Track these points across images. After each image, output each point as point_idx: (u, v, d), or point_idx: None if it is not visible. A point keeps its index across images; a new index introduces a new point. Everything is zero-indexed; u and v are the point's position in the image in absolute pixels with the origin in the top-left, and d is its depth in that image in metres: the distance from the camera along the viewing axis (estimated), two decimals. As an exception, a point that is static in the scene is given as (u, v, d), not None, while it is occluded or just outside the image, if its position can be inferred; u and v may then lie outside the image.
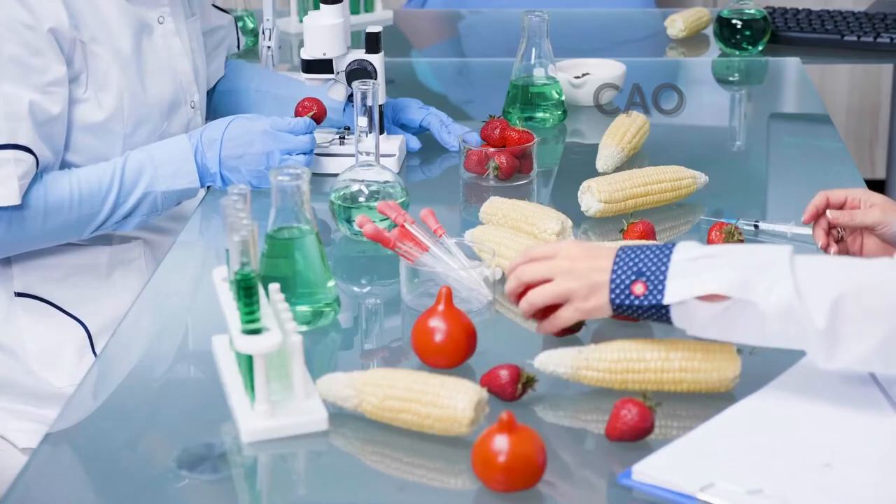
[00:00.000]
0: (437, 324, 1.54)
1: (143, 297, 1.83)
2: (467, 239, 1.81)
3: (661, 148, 2.27)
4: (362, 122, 1.85)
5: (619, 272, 1.48)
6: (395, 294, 1.76)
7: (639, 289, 1.46)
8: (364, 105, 1.83)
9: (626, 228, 1.83)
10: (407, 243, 1.71)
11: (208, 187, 2.10)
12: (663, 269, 1.46)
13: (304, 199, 1.61)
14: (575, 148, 2.36)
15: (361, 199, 1.89)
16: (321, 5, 2.10)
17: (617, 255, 1.49)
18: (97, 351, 2.05)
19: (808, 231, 1.86)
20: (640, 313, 1.47)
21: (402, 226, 1.74)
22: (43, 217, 1.95)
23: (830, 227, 1.78)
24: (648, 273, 1.46)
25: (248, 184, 2.03)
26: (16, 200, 1.90)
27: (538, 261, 1.53)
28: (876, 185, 2.24)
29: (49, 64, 1.94)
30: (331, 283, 1.67)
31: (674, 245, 1.48)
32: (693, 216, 2.01)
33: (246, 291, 1.43)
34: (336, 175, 2.07)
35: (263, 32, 2.58)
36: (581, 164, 2.22)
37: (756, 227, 1.91)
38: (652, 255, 1.47)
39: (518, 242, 1.76)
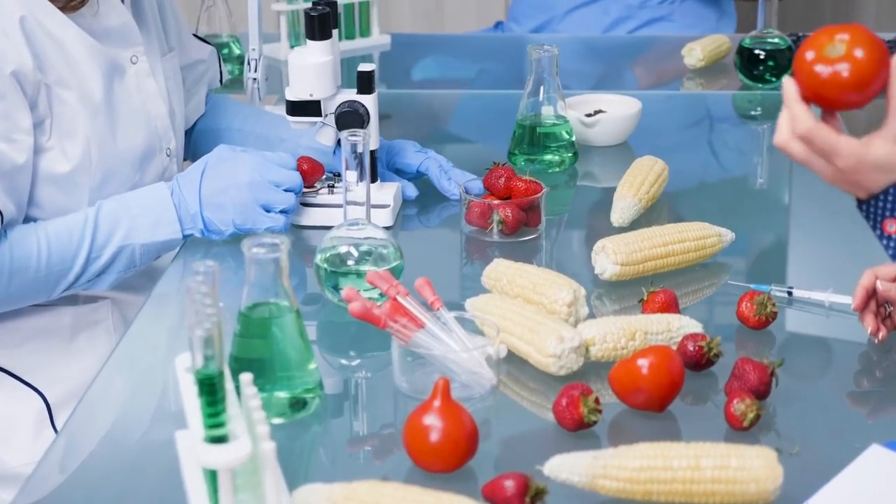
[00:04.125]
0: (433, 421, 1.35)
1: (111, 364, 1.64)
2: (468, 310, 1.61)
3: (681, 194, 2.08)
4: (351, 176, 1.65)
5: (881, 200, 1.40)
6: (387, 366, 1.56)
7: (892, 227, 1.40)
8: (354, 157, 1.64)
9: (645, 298, 1.64)
10: (400, 319, 1.52)
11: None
12: None
13: (282, 272, 1.42)
14: (587, 193, 2.17)
15: (350, 262, 1.69)
16: (308, 41, 1.90)
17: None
18: (57, 425, 1.85)
19: (847, 300, 1.67)
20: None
21: (395, 299, 1.54)
22: (8, 277, 1.77)
23: (879, 304, 1.59)
24: None
25: (232, 224, 1.84)
26: None
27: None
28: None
29: (12, 110, 1.75)
30: (312, 366, 1.48)
31: None
32: (718, 278, 1.82)
33: (209, 390, 1.24)
34: (323, 227, 1.90)
35: (249, 63, 2.38)
36: (594, 213, 2.04)
37: (790, 293, 1.72)
38: None
39: (525, 316, 1.56)
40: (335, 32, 1.91)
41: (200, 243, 1.90)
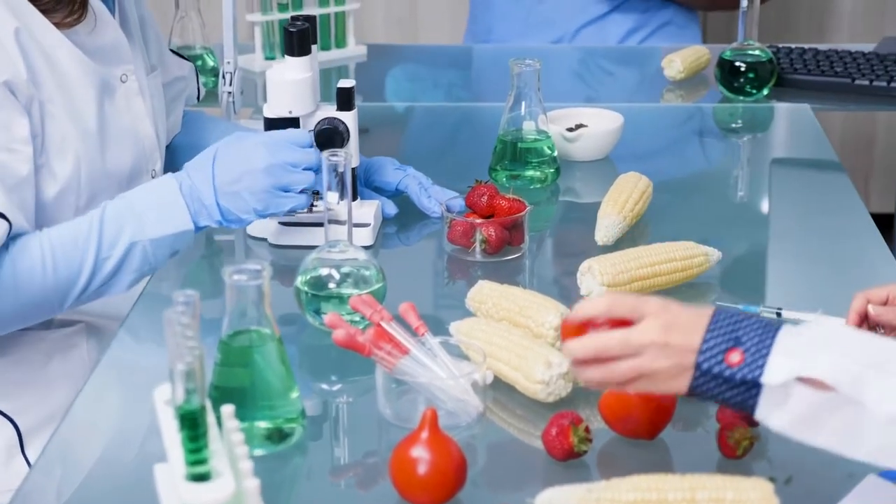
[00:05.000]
0: (421, 453, 1.31)
1: (86, 392, 1.59)
2: (453, 335, 1.58)
3: (664, 210, 2.05)
4: (332, 197, 1.61)
5: (716, 334, 1.25)
6: (370, 390, 1.52)
7: (734, 357, 1.23)
8: (335, 177, 1.60)
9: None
10: (384, 345, 1.48)
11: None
12: (767, 342, 1.23)
13: (264, 299, 1.38)
14: (569, 209, 2.14)
15: (332, 284, 1.65)
16: (287, 57, 1.86)
17: (715, 317, 1.27)
18: (28, 453, 1.80)
19: (838, 321, 1.63)
20: (723, 391, 1.24)
21: (379, 325, 1.50)
22: (14, 290, 1.69)
23: (870, 326, 1.56)
24: (749, 344, 1.24)
25: (253, 211, 1.77)
26: None
27: (620, 339, 1.28)
28: (876, 219, 2.07)
29: (10, 118, 1.70)
30: (294, 395, 1.44)
31: (781, 325, 1.26)
32: (704, 298, 1.79)
33: (191, 425, 1.20)
34: (302, 247, 1.86)
35: (224, 77, 2.34)
36: (577, 230, 2.00)
37: (779, 314, 1.69)
38: (755, 326, 1.25)
39: (512, 341, 1.53)
40: (314, 48, 1.87)
41: (173, 264, 1.85)
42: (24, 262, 1.70)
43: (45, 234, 1.72)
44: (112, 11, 1.86)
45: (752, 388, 1.23)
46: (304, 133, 1.83)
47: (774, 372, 1.22)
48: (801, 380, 1.21)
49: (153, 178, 1.90)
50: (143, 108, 1.89)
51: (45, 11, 1.76)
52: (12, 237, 1.70)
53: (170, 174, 1.79)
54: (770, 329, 1.24)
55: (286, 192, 1.77)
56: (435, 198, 1.98)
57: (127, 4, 1.92)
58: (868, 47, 2.84)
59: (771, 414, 1.23)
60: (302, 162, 1.78)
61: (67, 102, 1.77)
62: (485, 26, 3.19)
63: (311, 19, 1.87)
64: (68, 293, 1.73)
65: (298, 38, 1.84)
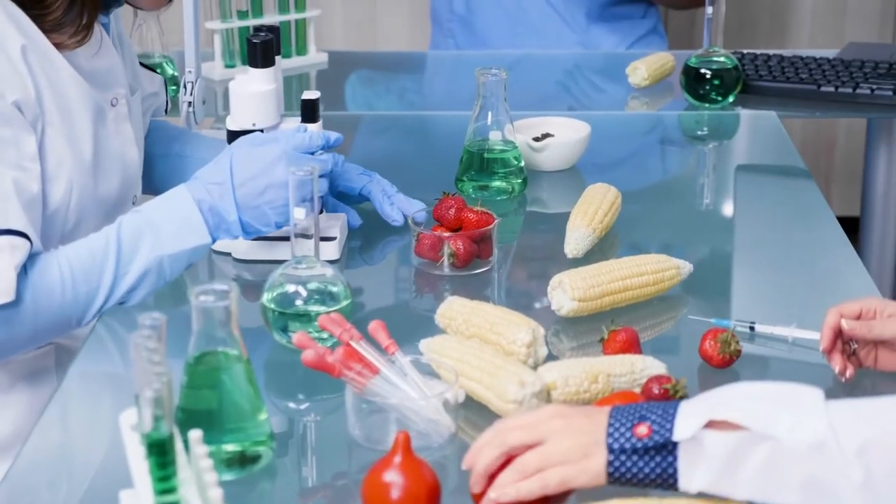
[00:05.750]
0: (394, 478, 1.28)
1: (48, 415, 1.55)
2: (424, 353, 1.55)
3: (633, 220, 2.02)
4: (299, 213, 1.58)
5: (619, 416, 1.25)
6: (339, 408, 1.49)
7: (642, 429, 1.23)
8: (300, 195, 1.57)
9: (606, 337, 1.58)
10: (354, 365, 1.45)
11: None
12: (671, 411, 1.23)
13: (232, 320, 1.34)
14: (537, 220, 2.11)
15: (299, 302, 1.62)
16: (250, 69, 1.82)
17: (614, 408, 1.26)
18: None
19: (812, 336, 1.62)
20: (641, 468, 1.23)
21: (348, 344, 1.47)
22: (34, 311, 1.66)
23: (844, 342, 1.54)
24: (654, 416, 1.23)
25: (274, 224, 1.75)
26: (10, 296, 1.62)
27: (521, 427, 1.27)
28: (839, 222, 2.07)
29: (20, 136, 1.66)
30: (263, 416, 1.41)
31: (680, 401, 1.26)
32: (676, 311, 1.77)
33: (159, 451, 1.17)
34: (268, 262, 1.83)
35: (185, 86, 2.29)
36: (545, 242, 1.99)
37: (752, 329, 1.67)
38: (655, 404, 1.25)
39: (484, 360, 1.50)
40: (278, 59, 1.84)
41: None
42: (43, 281, 1.67)
43: (62, 253, 1.69)
44: (108, 31, 1.83)
45: (668, 454, 1.22)
46: (317, 136, 1.79)
47: (683, 428, 1.21)
48: (712, 425, 1.21)
49: (134, 204, 1.86)
50: (130, 133, 1.86)
51: (48, 31, 1.73)
52: (30, 256, 1.66)
53: (183, 186, 1.75)
54: (670, 403, 1.25)
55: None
56: (399, 206, 1.94)
57: (117, 24, 1.88)
58: (830, 53, 2.84)
59: (694, 474, 1.22)
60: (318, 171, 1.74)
61: (66, 126, 1.74)
62: (464, 38, 3.15)
63: (274, 30, 1.84)
64: (87, 310, 1.71)
65: (262, 49, 1.81)
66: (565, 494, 1.27)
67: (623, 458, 1.23)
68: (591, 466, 1.24)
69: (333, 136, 1.80)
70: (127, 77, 1.88)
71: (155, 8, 1.89)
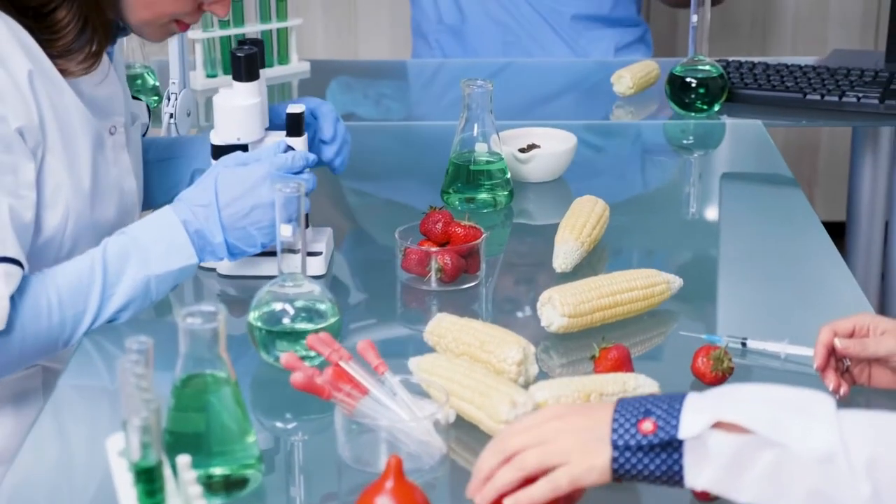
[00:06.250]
0: (386, 503, 1.26)
1: (33, 438, 1.52)
2: (413, 371, 1.53)
3: (621, 232, 2.01)
4: (285, 230, 1.56)
5: (624, 411, 1.23)
6: (328, 428, 1.47)
7: (647, 425, 1.21)
8: (287, 212, 1.55)
9: (597, 355, 1.57)
10: (344, 386, 1.43)
11: None
12: (676, 406, 1.22)
13: (220, 342, 1.32)
14: (523, 232, 2.09)
15: (286, 319, 1.60)
16: (234, 83, 1.80)
17: (619, 402, 1.25)
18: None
19: (805, 352, 1.61)
20: (646, 465, 1.21)
21: (337, 364, 1.45)
22: (21, 336, 1.64)
23: (838, 359, 1.53)
24: (659, 411, 1.22)
25: (259, 245, 1.73)
26: (2, 325, 1.60)
27: (521, 431, 1.26)
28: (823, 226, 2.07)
29: (20, 163, 1.65)
30: (251, 439, 1.39)
31: (686, 393, 1.24)
32: (666, 326, 1.75)
33: (147, 479, 1.15)
34: (253, 277, 1.81)
35: (168, 98, 2.27)
36: (533, 255, 1.97)
37: (744, 345, 1.65)
38: (661, 397, 1.24)
39: (475, 379, 1.48)
40: (262, 73, 1.82)
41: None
42: (30, 306, 1.65)
43: (48, 276, 1.67)
44: (111, 59, 1.80)
45: (673, 451, 1.21)
46: (302, 155, 1.77)
47: (689, 426, 1.20)
48: (718, 425, 1.19)
49: None
50: (128, 162, 1.84)
51: (55, 57, 1.70)
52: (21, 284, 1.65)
53: (169, 207, 1.73)
54: (677, 396, 1.24)
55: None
56: (339, 155, 1.91)
57: (119, 52, 1.86)
58: (814, 59, 2.83)
59: (700, 472, 1.20)
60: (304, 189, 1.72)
61: (66, 154, 1.72)
62: (453, 50, 3.12)
63: (258, 43, 1.82)
64: (74, 332, 1.69)
65: (246, 63, 1.78)
66: (575, 495, 1.27)
67: (628, 454, 1.22)
68: (596, 463, 1.22)
69: (311, 156, 1.78)
70: (127, 106, 1.86)
71: (160, 40, 1.87)
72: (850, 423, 1.18)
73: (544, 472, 1.23)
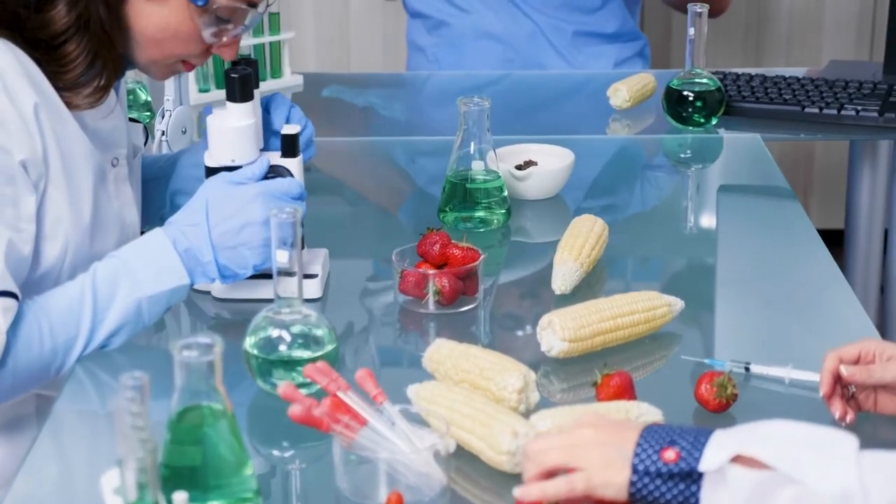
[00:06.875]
0: (387, 540, 1.24)
1: (27, 468, 1.49)
2: (412, 400, 1.51)
3: (620, 251, 1.99)
4: (281, 256, 1.53)
5: (650, 437, 1.25)
6: (325, 456, 1.45)
7: (670, 454, 1.23)
8: (282, 238, 1.52)
9: (599, 381, 1.54)
10: (342, 417, 1.40)
11: None
12: (702, 440, 1.23)
13: (216, 374, 1.30)
14: (521, 251, 2.07)
15: (282, 347, 1.57)
16: (228, 103, 1.77)
17: (647, 427, 1.27)
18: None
19: (809, 377, 1.59)
20: (663, 492, 1.22)
21: (335, 395, 1.43)
22: (13, 366, 1.61)
23: (843, 386, 1.51)
24: (684, 443, 1.23)
25: (251, 267, 1.70)
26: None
27: (557, 448, 1.29)
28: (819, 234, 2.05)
29: (21, 195, 1.62)
30: (248, 471, 1.36)
31: (713, 429, 1.25)
32: (668, 350, 1.73)
33: (144, 521, 1.12)
34: (249, 301, 1.78)
35: (163, 114, 2.24)
36: (531, 274, 1.95)
37: (747, 369, 1.63)
38: (688, 429, 1.25)
39: (475, 408, 1.45)
40: (257, 93, 1.79)
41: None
42: (22, 334, 1.62)
43: (38, 304, 1.65)
44: (117, 93, 1.78)
45: (692, 482, 1.22)
46: (296, 183, 1.75)
47: (711, 459, 1.21)
48: (739, 461, 1.20)
49: None
50: (130, 194, 1.82)
51: (62, 90, 1.68)
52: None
53: (159, 229, 1.71)
54: (704, 431, 1.25)
55: None
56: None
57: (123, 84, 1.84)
58: (809, 69, 2.81)
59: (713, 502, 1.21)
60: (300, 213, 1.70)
61: (68, 187, 1.69)
62: (451, 65, 3.09)
63: (252, 63, 1.79)
64: (66, 359, 1.66)
65: (241, 83, 1.76)
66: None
67: (647, 479, 1.23)
68: (614, 480, 1.24)
69: (301, 186, 1.76)
70: (129, 137, 1.83)
71: (165, 78, 1.85)
72: (872, 464, 1.18)
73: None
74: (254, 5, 1.73)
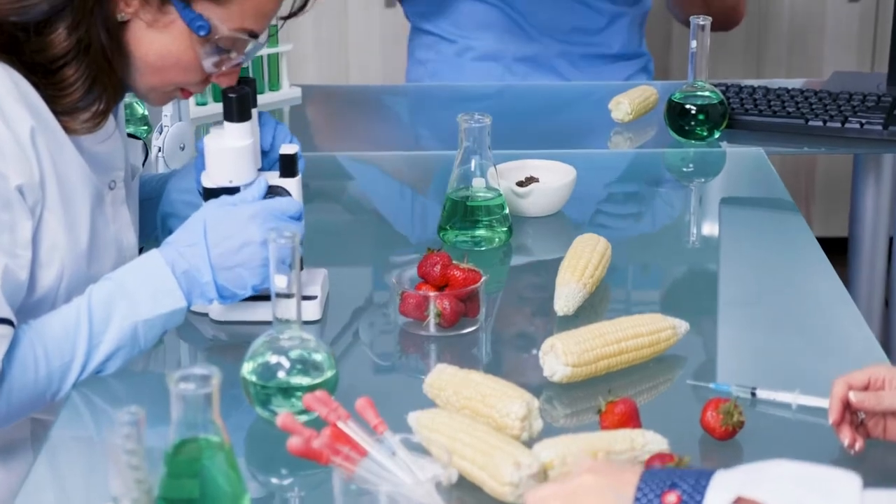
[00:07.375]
0: (388, 578, 1.22)
1: (27, 491, 1.47)
2: (413, 427, 1.48)
3: (624, 270, 1.97)
4: (280, 281, 1.51)
5: (650, 481, 1.23)
6: (324, 483, 1.42)
7: (671, 498, 1.20)
8: (282, 261, 1.49)
9: (603, 409, 1.52)
10: (342, 447, 1.38)
11: None
12: (703, 482, 1.20)
13: (213, 407, 1.27)
14: (523, 270, 2.04)
15: (281, 374, 1.55)
16: (225, 123, 1.75)
17: (647, 471, 1.24)
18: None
19: (816, 402, 1.56)
20: None
21: (335, 425, 1.40)
22: (8, 392, 1.59)
23: (852, 413, 1.48)
24: (685, 486, 1.21)
25: (250, 287, 1.68)
26: None
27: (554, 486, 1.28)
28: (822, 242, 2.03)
29: (17, 221, 1.60)
30: (246, 503, 1.34)
31: (715, 470, 1.23)
32: (672, 373, 1.70)
33: (140, 561, 1.10)
34: (247, 323, 1.76)
35: (161, 130, 2.22)
36: (534, 293, 1.93)
37: (753, 394, 1.61)
38: (690, 472, 1.23)
39: (477, 437, 1.43)
40: (254, 112, 1.77)
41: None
42: (16, 360, 1.60)
43: (33, 329, 1.62)
44: (115, 116, 1.76)
45: None
46: (294, 203, 1.73)
47: (713, 500, 1.19)
48: (741, 503, 1.18)
49: None
50: (127, 217, 1.80)
51: (60, 114, 1.66)
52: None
53: (155, 251, 1.68)
54: (705, 472, 1.22)
55: None
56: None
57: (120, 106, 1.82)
58: (807, 80, 2.79)
59: None
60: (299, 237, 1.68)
61: (65, 212, 1.67)
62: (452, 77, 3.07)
63: (250, 82, 1.77)
64: (62, 385, 1.64)
65: (238, 103, 1.73)
66: None
67: None
68: None
69: (300, 206, 1.74)
70: (127, 159, 1.81)
71: (162, 105, 1.84)
72: None
73: None
74: (255, 36, 1.71)
